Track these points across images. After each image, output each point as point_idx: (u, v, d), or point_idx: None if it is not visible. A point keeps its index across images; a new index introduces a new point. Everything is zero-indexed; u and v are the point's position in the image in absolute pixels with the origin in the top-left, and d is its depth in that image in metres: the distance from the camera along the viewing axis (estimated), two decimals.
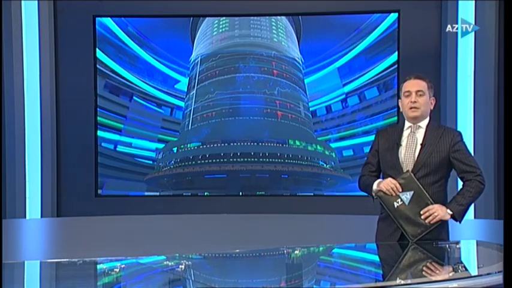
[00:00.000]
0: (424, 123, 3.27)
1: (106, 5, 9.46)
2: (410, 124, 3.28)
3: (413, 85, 3.26)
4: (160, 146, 9.68)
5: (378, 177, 3.33)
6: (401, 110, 3.34)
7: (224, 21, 9.79)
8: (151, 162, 9.66)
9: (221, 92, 9.66)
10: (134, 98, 9.68)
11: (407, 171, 3.18)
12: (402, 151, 3.23)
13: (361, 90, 9.47)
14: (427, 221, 3.14)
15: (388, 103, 9.27)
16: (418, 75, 3.30)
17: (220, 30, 9.78)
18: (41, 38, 9.20)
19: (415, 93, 3.24)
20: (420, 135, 3.24)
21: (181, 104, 9.73)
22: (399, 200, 3.17)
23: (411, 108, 3.24)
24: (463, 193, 3.18)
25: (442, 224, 3.18)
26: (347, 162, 9.41)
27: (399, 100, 3.36)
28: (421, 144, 3.21)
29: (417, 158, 3.19)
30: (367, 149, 3.61)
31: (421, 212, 3.15)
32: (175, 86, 9.75)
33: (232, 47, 9.72)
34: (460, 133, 3.27)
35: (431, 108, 3.30)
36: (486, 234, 7.36)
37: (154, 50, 9.68)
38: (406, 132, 3.28)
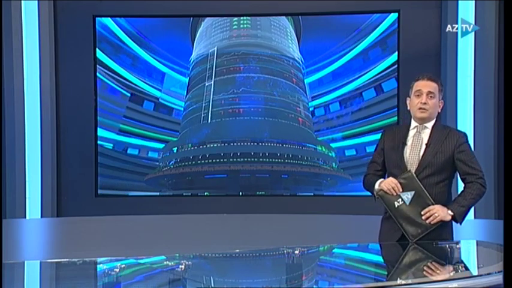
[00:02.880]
0: (430, 123, 3.27)
1: (106, 5, 9.45)
2: (416, 124, 3.29)
3: (425, 86, 3.25)
4: (160, 146, 9.67)
5: (383, 177, 3.34)
6: (408, 108, 3.33)
7: (222, 21, 9.79)
8: (151, 162, 9.65)
9: (221, 92, 9.65)
10: (133, 97, 9.67)
11: (409, 170, 3.18)
12: (407, 150, 3.24)
13: (361, 91, 9.47)
14: (427, 221, 3.14)
15: (388, 103, 9.26)
16: (430, 76, 3.30)
17: (220, 31, 9.77)
18: (41, 38, 9.19)
19: (426, 94, 3.23)
20: (426, 135, 3.25)
21: (181, 103, 9.73)
22: (400, 199, 3.18)
23: (420, 108, 3.23)
24: (464, 195, 3.19)
25: (445, 225, 3.18)
26: (349, 162, 9.41)
27: (408, 98, 3.35)
28: (426, 144, 3.22)
29: (422, 157, 3.20)
30: (369, 149, 3.62)
31: (422, 213, 3.15)
32: (174, 86, 9.74)
33: (232, 47, 9.71)
34: (465, 134, 3.28)
35: (439, 111, 3.30)
36: (486, 234, 7.37)
37: (154, 50, 9.67)
38: (412, 132, 3.28)
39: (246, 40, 9.71)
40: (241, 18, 9.72)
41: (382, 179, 3.27)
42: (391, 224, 3.24)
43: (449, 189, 3.26)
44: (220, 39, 9.70)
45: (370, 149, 8.68)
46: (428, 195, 3.15)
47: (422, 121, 3.26)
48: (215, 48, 9.67)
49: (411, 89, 3.32)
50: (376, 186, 3.26)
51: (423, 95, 3.23)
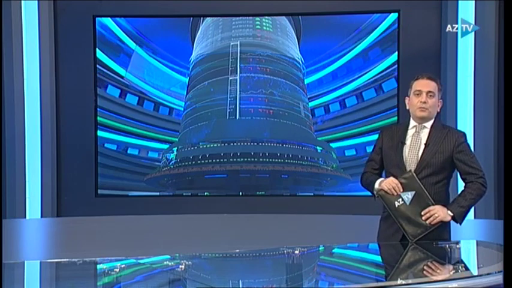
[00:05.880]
0: (429, 123, 3.27)
1: (106, 5, 9.45)
2: (415, 123, 3.29)
3: (424, 85, 3.25)
4: (160, 146, 9.66)
5: (380, 175, 3.34)
6: (407, 107, 3.34)
7: (217, 21, 9.78)
8: (151, 162, 9.65)
9: (221, 92, 9.64)
10: (134, 97, 9.67)
11: (410, 170, 3.19)
12: (406, 150, 3.24)
13: (361, 91, 9.46)
14: (427, 221, 3.14)
15: (388, 103, 9.26)
16: (430, 75, 3.30)
17: (220, 30, 9.77)
18: (41, 38, 9.18)
19: (426, 93, 3.24)
20: (424, 135, 3.25)
21: (181, 103, 9.72)
22: (400, 199, 3.18)
23: (420, 108, 3.24)
24: (464, 195, 3.19)
25: (444, 225, 3.18)
26: (349, 162, 9.40)
27: (407, 98, 3.35)
28: (425, 144, 3.22)
29: (421, 157, 3.20)
30: (369, 149, 3.62)
31: (422, 213, 3.15)
32: (175, 86, 9.74)
33: (232, 47, 9.71)
34: (464, 134, 3.28)
35: (438, 110, 3.30)
36: (486, 234, 7.37)
37: (154, 50, 9.67)
38: (410, 132, 3.28)
39: (245, 40, 9.71)
40: (219, 19, 9.72)
41: (382, 179, 3.27)
42: (390, 224, 3.25)
43: (448, 189, 3.26)
44: (221, 39, 9.70)
45: (370, 149, 8.57)
46: (428, 195, 3.15)
47: (421, 120, 3.27)
48: (238, 42, 9.65)
49: (410, 88, 3.32)
50: (376, 185, 3.26)
51: (423, 94, 3.24)
